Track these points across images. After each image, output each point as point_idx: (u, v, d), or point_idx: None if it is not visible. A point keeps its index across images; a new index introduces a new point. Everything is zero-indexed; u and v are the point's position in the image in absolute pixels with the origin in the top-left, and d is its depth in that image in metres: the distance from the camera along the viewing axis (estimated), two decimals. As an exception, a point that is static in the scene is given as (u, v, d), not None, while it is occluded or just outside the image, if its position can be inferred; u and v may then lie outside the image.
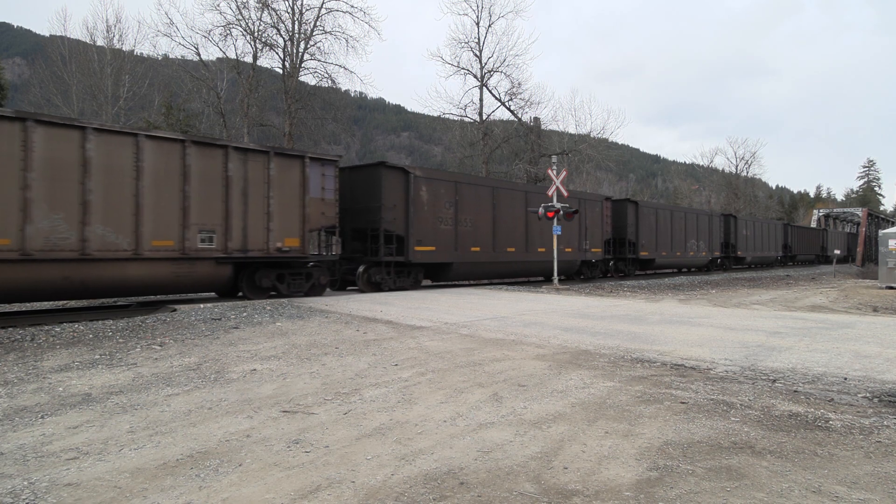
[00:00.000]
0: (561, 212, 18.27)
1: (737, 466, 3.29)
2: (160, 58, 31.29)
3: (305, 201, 13.02)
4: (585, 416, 4.28)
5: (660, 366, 6.03)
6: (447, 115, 33.91)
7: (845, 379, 5.39)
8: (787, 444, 3.66)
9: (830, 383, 5.25)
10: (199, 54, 26.99)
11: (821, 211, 63.67)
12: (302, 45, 27.65)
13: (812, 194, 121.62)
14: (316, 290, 13.59)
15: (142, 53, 32.71)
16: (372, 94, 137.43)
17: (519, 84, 32.54)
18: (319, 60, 28.07)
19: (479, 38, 32.22)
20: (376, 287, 15.29)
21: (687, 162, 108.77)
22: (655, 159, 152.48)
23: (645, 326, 8.86)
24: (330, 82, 28.66)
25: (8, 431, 3.98)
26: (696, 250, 29.40)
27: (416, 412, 4.39)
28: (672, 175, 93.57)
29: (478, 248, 17.67)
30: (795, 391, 4.99)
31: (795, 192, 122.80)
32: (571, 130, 38.01)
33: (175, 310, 10.01)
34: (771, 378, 5.45)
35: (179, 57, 28.94)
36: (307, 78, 28.67)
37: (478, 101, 32.68)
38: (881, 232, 21.97)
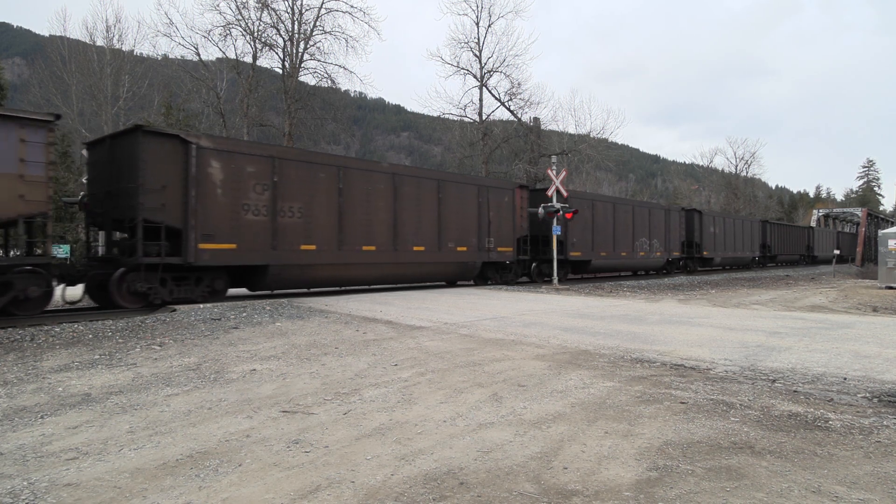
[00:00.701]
0: (561, 212, 18.27)
1: (736, 466, 3.29)
2: (160, 58, 31.34)
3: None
4: (585, 416, 4.28)
5: (659, 366, 6.03)
6: (447, 115, 33.96)
7: (845, 379, 5.39)
8: (787, 444, 3.66)
9: (830, 383, 5.25)
10: (198, 54, 27.03)
11: (820, 211, 63.64)
12: (302, 45, 27.68)
13: (812, 194, 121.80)
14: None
15: (141, 53, 32.79)
16: (372, 94, 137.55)
17: (519, 84, 32.57)
18: (319, 60, 28.11)
19: (478, 39, 32.25)
20: (143, 298, 10.83)
21: (686, 162, 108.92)
22: (655, 159, 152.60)
23: (645, 326, 8.86)
24: (329, 82, 28.71)
25: (7, 431, 3.98)
26: (648, 250, 25.48)
27: (415, 412, 4.39)
28: (672, 175, 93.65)
29: (312, 247, 13.09)
30: (795, 391, 4.99)
31: (795, 192, 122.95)
32: (571, 130, 38.08)
33: (175, 310, 10.00)
34: (770, 378, 5.45)
35: (179, 57, 28.99)
36: (307, 78, 28.72)
37: (477, 101, 32.72)
38: (881, 232, 21.98)
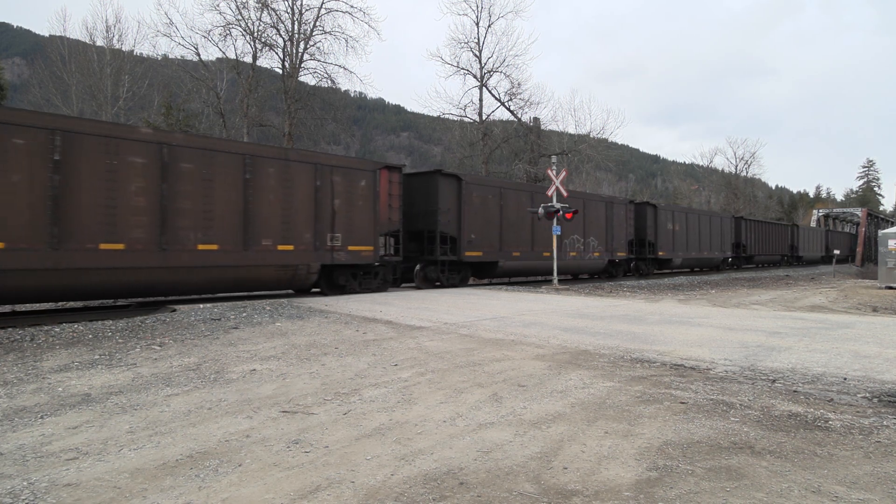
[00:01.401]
0: (561, 212, 18.26)
1: (736, 466, 3.29)
2: (160, 58, 31.33)
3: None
4: (585, 416, 4.28)
5: (659, 366, 6.03)
6: (447, 116, 33.96)
7: (845, 379, 5.39)
8: (787, 444, 3.66)
9: (830, 383, 5.25)
10: (198, 54, 27.04)
11: (820, 211, 63.64)
12: (301, 45, 27.68)
13: (812, 194, 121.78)
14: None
15: (141, 53, 32.77)
16: (371, 94, 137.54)
17: (519, 84, 32.59)
18: (319, 60, 28.11)
19: (478, 39, 32.25)
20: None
21: (686, 162, 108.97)
22: (655, 159, 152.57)
23: (644, 326, 8.86)
24: (329, 82, 28.72)
25: (7, 432, 3.98)
26: (582, 250, 21.62)
27: (415, 412, 4.39)
28: (672, 175, 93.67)
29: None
30: (795, 391, 4.99)
31: (795, 192, 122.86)
32: (571, 130, 38.07)
33: (175, 310, 10.00)
34: (770, 378, 5.45)
35: (179, 57, 29.00)
36: (307, 78, 28.72)
37: (477, 102, 32.73)
38: (881, 232, 21.98)
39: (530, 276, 21.22)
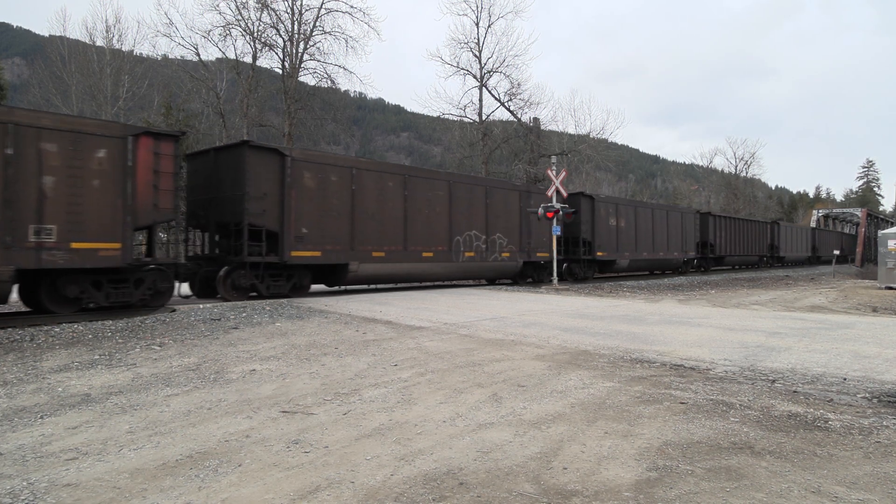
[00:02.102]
0: (561, 212, 18.26)
1: (736, 467, 3.30)
2: (159, 58, 31.33)
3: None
4: (585, 416, 4.28)
5: (659, 366, 6.03)
6: (447, 116, 33.96)
7: (844, 379, 5.39)
8: (787, 445, 3.66)
9: (830, 384, 5.25)
10: (198, 54, 27.04)
11: (820, 211, 63.64)
12: (301, 45, 27.68)
13: (811, 195, 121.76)
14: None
15: (141, 54, 32.76)
16: (371, 94, 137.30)
17: (518, 84, 32.57)
18: (319, 61, 28.10)
19: (478, 39, 32.25)
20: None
21: (686, 162, 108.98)
22: (655, 159, 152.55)
23: (644, 327, 8.86)
24: (329, 82, 28.71)
25: (7, 432, 3.98)
26: (484, 250, 17.18)
27: (415, 412, 4.39)
28: (671, 175, 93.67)
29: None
30: (795, 391, 4.99)
31: (795, 192, 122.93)
32: (571, 131, 38.10)
33: (174, 310, 10.00)
34: (770, 378, 5.45)
35: (179, 57, 29.00)
36: (307, 78, 28.71)
37: (477, 102, 32.72)
38: (880, 232, 21.98)
39: (403, 282, 16.13)
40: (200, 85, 27.74)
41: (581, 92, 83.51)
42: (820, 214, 61.62)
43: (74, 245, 9.54)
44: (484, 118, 32.96)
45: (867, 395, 4.88)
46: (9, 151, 8.86)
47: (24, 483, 3.10)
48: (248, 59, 27.58)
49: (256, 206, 12.13)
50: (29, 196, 9.11)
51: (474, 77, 32.45)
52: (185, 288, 12.53)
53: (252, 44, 27.00)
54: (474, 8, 32.62)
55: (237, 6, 26.31)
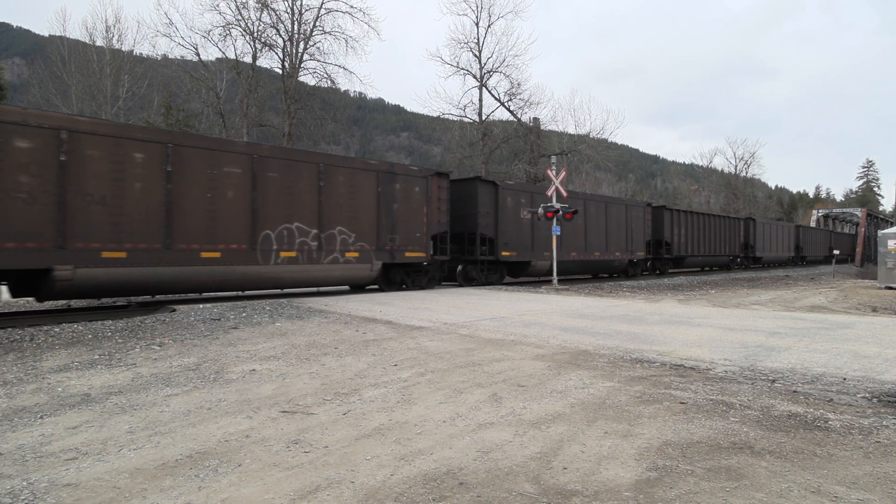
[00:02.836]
0: (560, 212, 18.27)
1: (736, 467, 3.30)
2: (159, 58, 31.33)
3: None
4: (585, 416, 4.28)
5: (659, 366, 6.03)
6: (447, 116, 33.98)
7: (844, 379, 5.39)
8: (787, 445, 3.66)
9: (829, 383, 5.25)
10: (198, 54, 27.05)
11: (820, 211, 63.65)
12: (301, 45, 27.68)
13: (811, 195, 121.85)
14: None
15: (141, 54, 32.81)
16: (371, 94, 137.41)
17: (518, 84, 32.60)
18: (319, 61, 28.12)
19: (478, 39, 32.27)
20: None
21: (686, 162, 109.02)
22: (655, 159, 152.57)
23: (644, 327, 8.86)
24: (329, 82, 28.72)
25: (7, 432, 3.98)
26: (315, 249, 13.31)
27: (415, 412, 4.39)
28: (671, 175, 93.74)
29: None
30: (795, 391, 4.99)
31: (795, 192, 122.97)
32: (571, 131, 38.10)
33: (174, 310, 10.00)
34: (770, 378, 5.45)
35: (179, 57, 29.00)
36: (306, 78, 28.73)
37: (477, 102, 32.73)
38: (880, 232, 21.98)
39: (167, 292, 11.80)
40: (200, 85, 27.74)
41: (581, 92, 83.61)
42: (820, 214, 61.61)
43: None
44: (484, 118, 32.99)
45: (867, 394, 4.88)
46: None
47: (24, 483, 3.10)
48: (248, 59, 27.62)
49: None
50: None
51: (474, 77, 32.48)
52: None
53: (252, 44, 27.04)
54: (474, 8, 32.67)
55: (237, 6, 26.34)
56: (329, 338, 7.74)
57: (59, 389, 5.12)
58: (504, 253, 18.47)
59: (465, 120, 33.57)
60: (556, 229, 18.57)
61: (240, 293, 13.90)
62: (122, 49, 31.04)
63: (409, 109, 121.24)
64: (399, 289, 15.66)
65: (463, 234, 18.02)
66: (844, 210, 67.90)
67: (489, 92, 32.58)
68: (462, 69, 32.50)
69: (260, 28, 26.93)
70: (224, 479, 3.15)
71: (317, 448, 3.63)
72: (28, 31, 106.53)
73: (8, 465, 3.36)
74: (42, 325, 8.63)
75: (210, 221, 11.69)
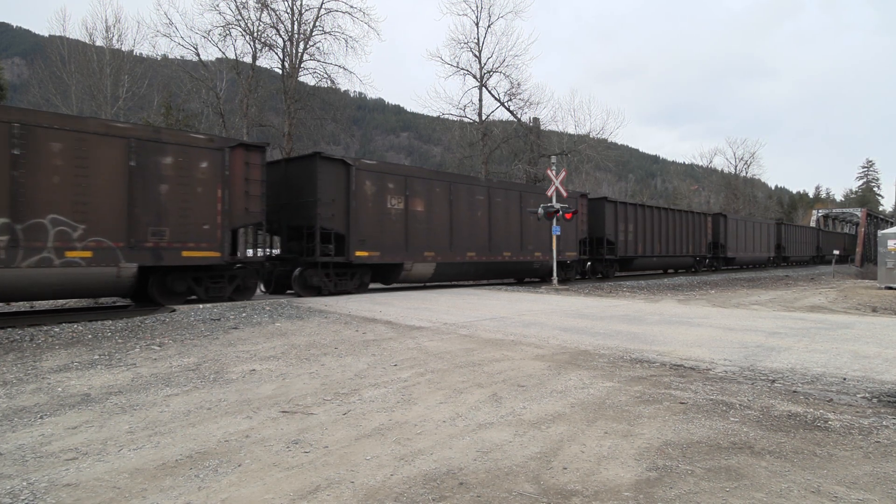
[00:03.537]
0: (560, 212, 18.26)
1: (736, 467, 3.30)
2: (159, 58, 31.33)
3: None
4: (585, 416, 4.28)
5: (659, 366, 6.03)
6: (446, 116, 33.96)
7: (844, 379, 5.39)
8: (787, 445, 3.66)
9: (829, 383, 5.25)
10: (198, 54, 27.03)
11: (820, 211, 63.62)
12: (301, 45, 27.68)
13: (811, 195, 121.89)
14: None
15: (141, 54, 32.80)
16: (371, 94, 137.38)
17: (518, 84, 32.58)
18: (319, 61, 28.11)
19: (478, 39, 32.24)
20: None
21: (686, 162, 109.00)
22: (655, 159, 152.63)
23: (644, 327, 8.86)
24: (329, 82, 28.71)
25: (7, 432, 3.98)
26: (35, 251, 9.34)
27: (415, 412, 4.39)
28: (671, 175, 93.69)
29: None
30: (794, 391, 4.99)
31: (795, 192, 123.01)
32: (571, 131, 38.13)
33: (174, 310, 10.00)
34: (770, 378, 5.45)
35: (179, 57, 28.99)
36: (306, 78, 28.72)
37: (477, 102, 32.71)
38: (880, 232, 21.99)
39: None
40: (200, 85, 27.73)
41: (581, 92, 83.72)
42: (820, 214, 61.58)
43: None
44: (484, 118, 32.97)
45: (867, 394, 4.88)
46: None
47: (24, 483, 3.10)
48: (248, 59, 27.61)
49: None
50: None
51: (474, 77, 32.46)
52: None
53: (252, 44, 27.02)
54: (474, 8, 32.65)
55: (237, 6, 26.33)
56: (329, 338, 7.74)
57: (59, 389, 5.12)
58: (359, 253, 14.12)
59: (465, 120, 33.58)
60: (556, 229, 18.57)
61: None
62: (122, 49, 31.06)
63: (409, 109, 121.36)
64: (182, 301, 11.54)
65: (301, 229, 13.88)
66: (844, 210, 67.90)
67: (489, 92, 32.61)
68: (462, 69, 32.52)
69: (260, 28, 26.94)
70: (224, 479, 3.15)
71: (317, 448, 3.63)
72: (28, 31, 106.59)
73: (8, 465, 3.36)
74: (42, 325, 8.63)
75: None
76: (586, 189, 38.45)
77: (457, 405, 4.57)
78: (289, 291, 14.51)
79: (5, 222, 9.19)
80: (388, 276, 15.93)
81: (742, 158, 66.23)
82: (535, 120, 33.95)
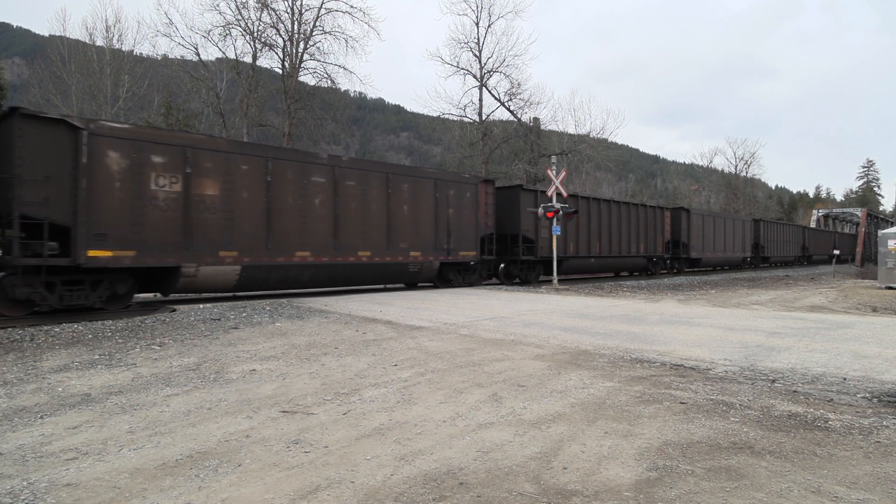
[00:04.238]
0: (561, 212, 18.26)
1: (736, 466, 3.29)
2: (159, 58, 31.36)
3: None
4: (585, 416, 4.28)
5: (659, 366, 6.03)
6: (447, 116, 34.00)
7: (844, 379, 5.39)
8: (787, 445, 3.66)
9: (830, 383, 5.25)
10: (198, 54, 27.06)
11: (820, 211, 63.60)
12: (301, 45, 27.70)
13: (811, 194, 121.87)
14: None
15: (141, 53, 32.82)
16: (371, 94, 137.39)
17: (518, 84, 32.63)
18: (319, 60, 28.14)
19: (478, 39, 32.28)
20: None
21: (686, 162, 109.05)
22: (655, 159, 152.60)
23: (644, 326, 8.86)
24: (329, 82, 28.74)
25: (7, 432, 3.98)
26: None
27: (415, 412, 4.39)
28: (671, 175, 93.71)
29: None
30: (795, 391, 4.99)
31: (795, 192, 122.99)
32: (571, 131, 38.13)
33: (174, 310, 10.00)
34: (770, 378, 5.45)
35: (179, 57, 29.03)
36: (307, 78, 28.74)
37: (477, 102, 32.75)
38: (880, 232, 21.98)
39: None
40: (200, 85, 27.75)
41: (581, 92, 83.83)
42: (820, 214, 61.53)
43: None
44: (484, 118, 33.00)
45: (867, 394, 4.88)
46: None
47: (24, 483, 3.10)
48: (248, 59, 27.64)
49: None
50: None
51: (474, 77, 32.48)
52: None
53: (252, 44, 27.05)
54: (474, 8, 32.71)
55: (237, 6, 26.36)
56: (329, 338, 7.74)
57: (60, 389, 5.12)
58: (96, 253, 10.22)
59: (465, 120, 33.62)
60: (556, 229, 18.56)
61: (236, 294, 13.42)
62: (123, 49, 31.08)
63: (409, 109, 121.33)
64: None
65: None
66: (845, 210, 67.86)
67: (489, 92, 32.63)
68: (462, 69, 32.55)
69: (260, 28, 26.97)
70: (224, 479, 3.15)
71: (317, 448, 3.63)
72: (28, 31, 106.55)
73: (8, 465, 3.36)
74: (42, 325, 8.63)
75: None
76: (586, 189, 38.31)
77: (457, 405, 4.57)
78: None
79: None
80: (161, 284, 11.78)
81: (742, 158, 66.30)
82: (536, 120, 33.98)
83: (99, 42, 30.32)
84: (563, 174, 19.08)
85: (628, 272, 26.44)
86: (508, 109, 32.95)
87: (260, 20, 26.79)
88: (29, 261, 9.46)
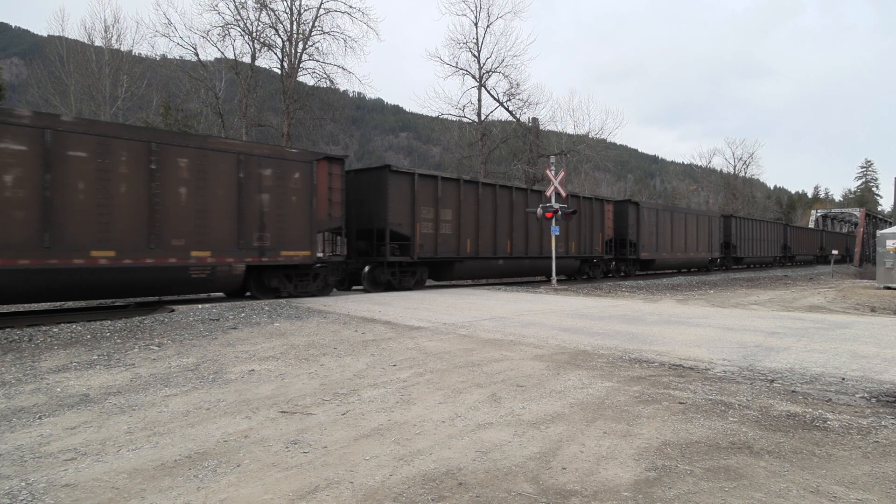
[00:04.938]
0: (560, 212, 18.27)
1: (735, 466, 3.30)
2: (158, 58, 31.32)
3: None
4: (584, 416, 4.28)
5: (658, 366, 6.04)
6: (446, 116, 33.97)
7: (843, 379, 5.40)
8: (785, 445, 3.67)
9: (828, 383, 5.26)
10: (197, 54, 27.03)
11: (819, 211, 63.66)
12: (300, 45, 27.67)
13: (810, 195, 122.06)
14: None
15: (140, 54, 32.77)
16: (370, 94, 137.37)
17: (517, 84, 32.57)
18: (318, 61, 28.11)
19: (477, 39, 32.25)
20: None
21: (685, 162, 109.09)
22: (654, 160, 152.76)
23: (643, 327, 8.86)
24: (328, 83, 28.71)
25: (5, 432, 3.97)
26: None
27: (414, 413, 4.39)
28: (670, 176, 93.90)
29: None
30: (793, 391, 5.00)
31: (793, 192, 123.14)
32: (570, 131, 38.14)
33: (173, 310, 9.99)
34: (769, 378, 5.46)
35: (177, 57, 29.01)
36: (305, 78, 28.72)
37: (476, 102, 32.71)
38: (879, 232, 22.02)
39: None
40: (199, 85, 27.73)
41: (580, 92, 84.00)
42: (819, 214, 61.59)
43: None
44: (483, 118, 32.97)
45: (865, 394, 4.89)
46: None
47: (23, 483, 3.10)
48: (247, 59, 27.61)
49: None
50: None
51: (473, 77, 32.46)
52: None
53: (251, 44, 27.02)
54: (473, 8, 32.73)
55: (236, 6, 26.32)
56: (328, 338, 7.73)
57: (58, 390, 5.11)
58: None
59: (464, 120, 33.59)
60: (555, 229, 18.57)
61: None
62: (121, 49, 31.02)
63: (408, 110, 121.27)
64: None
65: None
66: (843, 210, 67.96)
67: (488, 92, 32.60)
68: (461, 69, 32.52)
69: (259, 28, 26.93)
70: (223, 480, 3.14)
71: (316, 448, 3.62)
72: (27, 31, 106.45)
73: (6, 466, 3.36)
74: (41, 326, 8.62)
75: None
76: (585, 189, 38.25)
77: (456, 405, 4.57)
78: None
79: None
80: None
81: (741, 158, 66.36)
82: (534, 120, 33.95)
83: (97, 42, 30.31)
84: (561, 174, 19.09)
85: (566, 276, 22.47)
86: (507, 110, 32.96)
87: (259, 20, 26.79)
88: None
